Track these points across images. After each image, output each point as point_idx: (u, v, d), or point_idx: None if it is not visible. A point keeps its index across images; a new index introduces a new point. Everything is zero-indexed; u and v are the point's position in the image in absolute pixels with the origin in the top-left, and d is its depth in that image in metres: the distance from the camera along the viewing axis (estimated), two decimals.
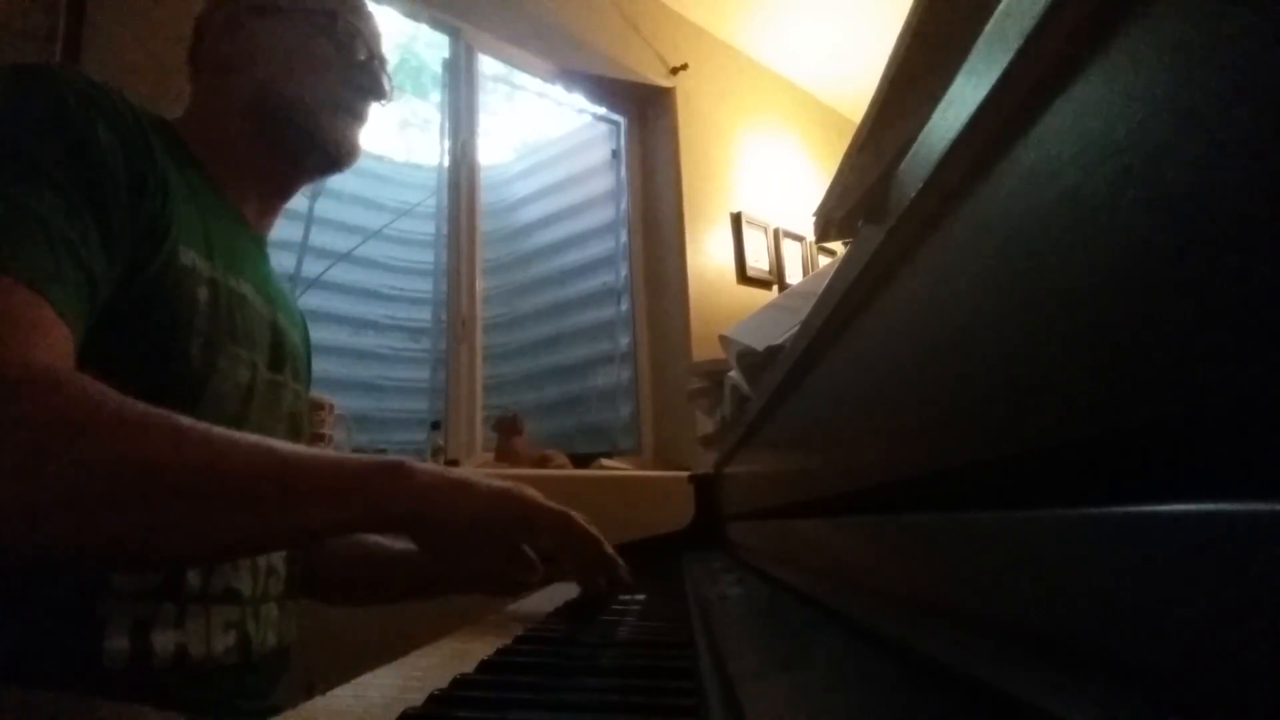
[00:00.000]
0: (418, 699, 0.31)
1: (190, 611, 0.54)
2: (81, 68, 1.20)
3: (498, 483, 0.55)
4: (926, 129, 0.20)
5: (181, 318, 0.55)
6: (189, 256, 0.57)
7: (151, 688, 0.51)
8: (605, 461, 1.89)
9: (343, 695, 0.35)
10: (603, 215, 2.42)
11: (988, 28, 0.17)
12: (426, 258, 2.39)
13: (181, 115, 0.69)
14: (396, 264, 2.62)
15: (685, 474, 1.12)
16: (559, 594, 0.70)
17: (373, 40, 0.75)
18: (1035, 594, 0.14)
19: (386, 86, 0.76)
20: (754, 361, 0.67)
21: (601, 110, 2.38)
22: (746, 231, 2.41)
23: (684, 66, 2.33)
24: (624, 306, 2.29)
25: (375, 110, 0.77)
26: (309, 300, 2.19)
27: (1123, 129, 0.12)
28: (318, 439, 1.30)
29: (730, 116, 2.51)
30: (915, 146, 0.21)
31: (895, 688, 0.19)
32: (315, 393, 1.34)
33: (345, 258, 2.40)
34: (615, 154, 2.40)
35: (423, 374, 2.12)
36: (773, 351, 0.63)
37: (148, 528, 0.42)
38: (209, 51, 0.69)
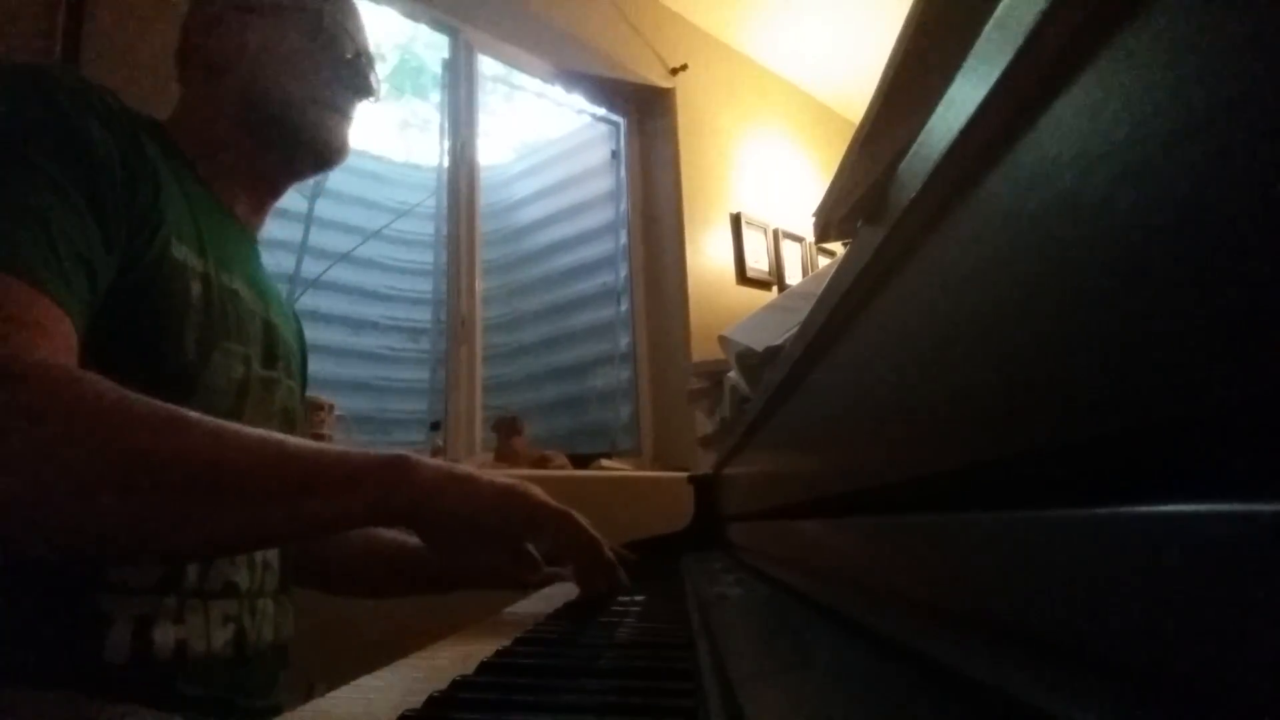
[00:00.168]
0: (417, 700, 0.31)
1: (189, 606, 0.55)
2: (81, 67, 1.20)
3: (501, 479, 0.55)
4: (926, 129, 0.20)
5: (175, 312, 0.55)
6: (181, 251, 0.57)
7: (152, 684, 0.51)
8: (605, 462, 1.88)
9: (343, 696, 0.35)
10: (602, 216, 2.42)
11: (988, 28, 0.17)
12: (426, 258, 2.39)
13: (170, 115, 0.69)
14: (396, 264, 2.62)
15: (685, 474, 1.12)
16: (559, 594, 0.70)
17: (360, 38, 0.75)
18: (1035, 594, 0.14)
19: (374, 84, 0.76)
20: (753, 362, 0.67)
21: (601, 111, 2.38)
22: (746, 232, 2.41)
23: (684, 67, 2.33)
24: (624, 307, 2.29)
25: (366, 108, 0.77)
26: (309, 300, 2.19)
27: (1123, 129, 0.12)
28: (317, 439, 1.30)
29: (730, 117, 2.51)
30: (915, 147, 0.21)
31: (895, 688, 0.19)
32: (315, 393, 1.34)
33: (345, 258, 2.40)
34: (615, 154, 2.40)
35: (423, 374, 2.12)
36: (772, 352, 0.63)
37: (154, 521, 0.43)
38: (195, 51, 0.69)
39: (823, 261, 2.56)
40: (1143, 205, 0.11)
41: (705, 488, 1.04)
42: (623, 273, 2.31)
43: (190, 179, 0.64)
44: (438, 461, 0.53)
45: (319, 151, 0.72)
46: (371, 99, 0.76)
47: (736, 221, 2.40)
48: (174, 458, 0.42)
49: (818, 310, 0.35)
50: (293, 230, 2.29)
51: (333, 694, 0.35)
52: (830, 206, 0.30)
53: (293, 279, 2.18)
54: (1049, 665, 0.13)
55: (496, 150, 2.90)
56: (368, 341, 2.44)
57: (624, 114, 2.39)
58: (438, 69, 2.03)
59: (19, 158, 0.48)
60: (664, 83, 2.32)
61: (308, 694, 0.69)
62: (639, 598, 0.65)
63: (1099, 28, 0.13)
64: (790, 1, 2.37)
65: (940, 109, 0.19)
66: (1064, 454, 0.14)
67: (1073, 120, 0.14)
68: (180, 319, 0.56)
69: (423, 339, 2.39)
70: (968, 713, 0.16)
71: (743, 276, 2.36)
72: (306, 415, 1.28)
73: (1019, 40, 0.15)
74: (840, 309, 0.30)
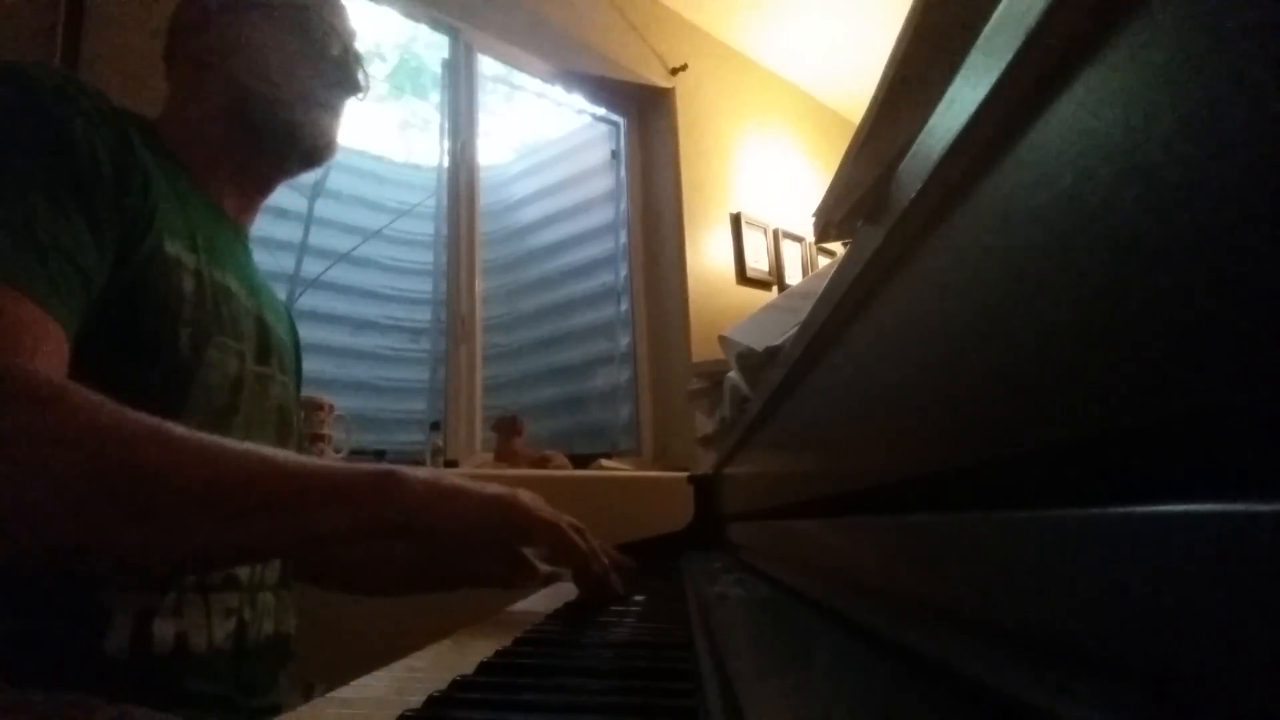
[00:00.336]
0: (417, 700, 0.31)
1: (189, 600, 0.55)
2: (81, 67, 1.20)
3: (492, 489, 0.55)
4: (926, 129, 0.20)
5: (168, 308, 0.55)
6: (174, 248, 0.57)
7: (152, 680, 0.51)
8: (605, 462, 1.88)
9: (343, 695, 0.35)
10: (602, 216, 2.42)
11: (988, 28, 0.17)
12: (426, 258, 2.39)
13: (160, 113, 0.69)
14: (396, 264, 2.62)
15: (685, 474, 1.12)
16: (559, 595, 0.70)
17: (347, 34, 0.75)
18: (1035, 594, 0.14)
19: (362, 80, 0.76)
20: (753, 362, 0.67)
21: (601, 111, 2.38)
22: (746, 232, 2.41)
23: (683, 67, 2.33)
24: (624, 307, 2.29)
25: (357, 105, 0.77)
26: (309, 300, 2.19)
27: (1123, 129, 0.12)
28: (317, 439, 1.30)
29: (730, 117, 2.51)
30: (915, 146, 0.21)
31: (895, 688, 0.19)
32: (315, 393, 1.34)
33: (345, 258, 2.40)
34: (615, 154, 2.40)
35: (422, 374, 2.12)
36: (772, 352, 0.63)
37: (143, 537, 0.43)
38: (183, 49, 0.69)
39: (823, 261, 2.56)
40: (1143, 205, 0.11)
41: (705, 487, 1.04)
42: (623, 273, 2.31)
43: (180, 176, 0.64)
44: (427, 474, 0.53)
45: (307, 148, 0.72)
46: (359, 95, 0.76)
47: (736, 221, 2.40)
48: (161, 473, 0.42)
49: (818, 310, 0.35)
50: (293, 230, 2.29)
51: (333, 694, 0.35)
52: (830, 206, 0.30)
53: (293, 279, 2.18)
54: (1049, 665, 0.13)
55: (496, 150, 2.90)
56: (368, 341, 2.44)
57: (624, 114, 2.39)
58: (438, 69, 2.03)
59: (5, 164, 0.48)
60: (664, 83, 2.32)
61: (308, 694, 0.69)
62: (639, 597, 0.65)
63: (1099, 27, 0.13)
64: (790, 1, 2.37)
65: (940, 109, 0.19)
66: (1064, 454, 0.14)
67: (1073, 120, 0.14)
68: (173, 315, 0.56)
69: (423, 339, 2.39)
70: (967, 713, 0.16)
71: (743, 276, 2.36)
72: (307, 415, 1.28)
73: (1019, 40, 0.15)
74: (840, 309, 0.30)
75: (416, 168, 2.80)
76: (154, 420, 0.44)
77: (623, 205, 2.35)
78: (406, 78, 2.91)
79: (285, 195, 2.25)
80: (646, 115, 2.39)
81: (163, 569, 0.51)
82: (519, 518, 0.55)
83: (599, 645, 0.45)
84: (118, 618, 0.50)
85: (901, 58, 0.23)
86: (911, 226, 0.22)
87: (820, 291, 0.34)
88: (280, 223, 2.24)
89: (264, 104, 0.68)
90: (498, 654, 0.41)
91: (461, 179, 1.93)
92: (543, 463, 1.73)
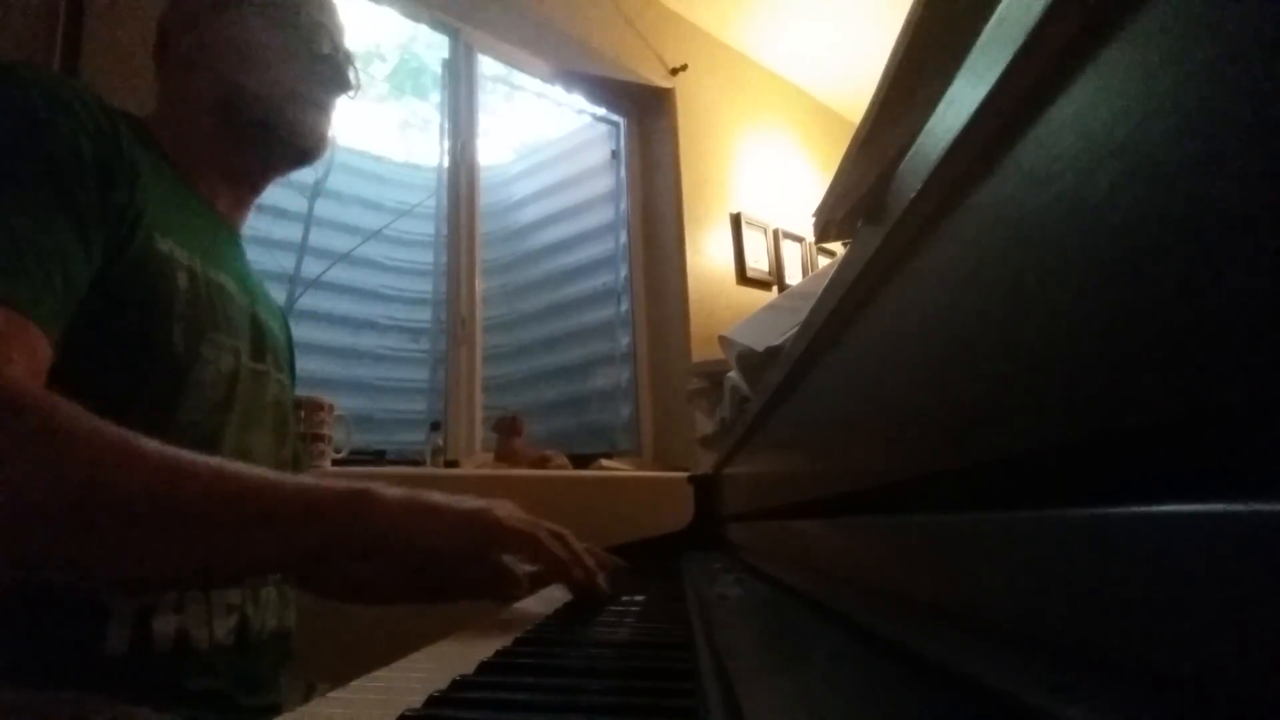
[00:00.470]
0: (418, 700, 0.31)
1: (190, 596, 0.55)
2: (80, 68, 1.20)
3: (468, 504, 0.55)
4: (926, 129, 0.20)
5: (162, 304, 0.55)
6: (166, 244, 0.57)
7: (153, 678, 0.51)
8: (605, 462, 1.88)
9: (343, 695, 0.35)
10: (602, 216, 2.42)
11: (988, 28, 0.17)
12: (426, 258, 2.39)
13: (150, 111, 0.69)
14: (396, 265, 2.62)
15: (685, 474, 1.12)
16: (559, 595, 0.70)
17: (337, 32, 0.75)
18: (1035, 594, 0.14)
19: (352, 79, 0.76)
20: (753, 362, 0.67)
21: (601, 111, 2.38)
22: (746, 232, 2.40)
23: (684, 67, 2.33)
24: (624, 307, 2.29)
25: (355, 105, 0.77)
26: (309, 300, 2.19)
27: (1123, 129, 0.12)
28: (317, 439, 1.30)
29: (730, 117, 2.51)
30: (915, 146, 0.21)
31: (895, 688, 0.19)
32: (315, 393, 1.34)
33: (345, 258, 2.40)
34: (615, 154, 2.40)
35: (422, 374, 2.12)
36: (772, 352, 0.63)
37: (107, 555, 0.43)
38: (172, 48, 0.69)
39: (823, 261, 2.56)
40: (1143, 205, 0.11)
41: (705, 487, 1.04)
42: (623, 273, 2.31)
43: (171, 174, 0.64)
44: (401, 492, 0.52)
45: (297, 146, 0.72)
46: (350, 93, 0.76)
47: (736, 221, 2.40)
48: (124, 492, 0.42)
49: (818, 310, 0.35)
50: (293, 230, 2.29)
51: (333, 694, 0.35)
52: (830, 206, 0.30)
53: (293, 279, 2.18)
54: (1049, 665, 0.13)
55: (496, 150, 2.91)
56: (368, 341, 2.44)
57: (624, 114, 2.39)
58: (438, 69, 2.03)
59: None
60: (664, 83, 2.32)
61: (308, 694, 0.69)
62: (639, 597, 0.65)
63: (1099, 27, 0.13)
64: (790, 2, 2.37)
65: (940, 109, 0.19)
66: (1064, 454, 0.14)
67: (1073, 120, 0.14)
68: (167, 311, 0.56)
69: (423, 339, 2.39)
70: (967, 713, 0.16)
71: (743, 276, 2.36)
72: (307, 415, 1.28)
73: (1019, 40, 0.15)
74: (840, 309, 0.30)
75: (416, 168, 2.81)
76: (120, 433, 0.43)
77: (623, 205, 2.35)
78: (406, 78, 2.92)
79: (285, 195, 2.26)
80: (646, 115, 2.39)
81: (128, 584, 0.50)
82: (494, 533, 0.55)
83: (599, 645, 0.45)
84: (117, 616, 0.50)
85: (901, 58, 0.23)
86: (911, 226, 0.22)
87: (820, 291, 0.34)
88: (280, 223, 2.24)
89: (253, 102, 0.68)
90: (498, 654, 0.41)
91: (461, 179, 1.93)
92: (543, 463, 1.73)
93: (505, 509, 0.57)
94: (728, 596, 0.51)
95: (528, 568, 0.64)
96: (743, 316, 0.76)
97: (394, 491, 0.52)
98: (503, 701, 0.31)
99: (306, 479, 0.52)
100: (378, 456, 1.59)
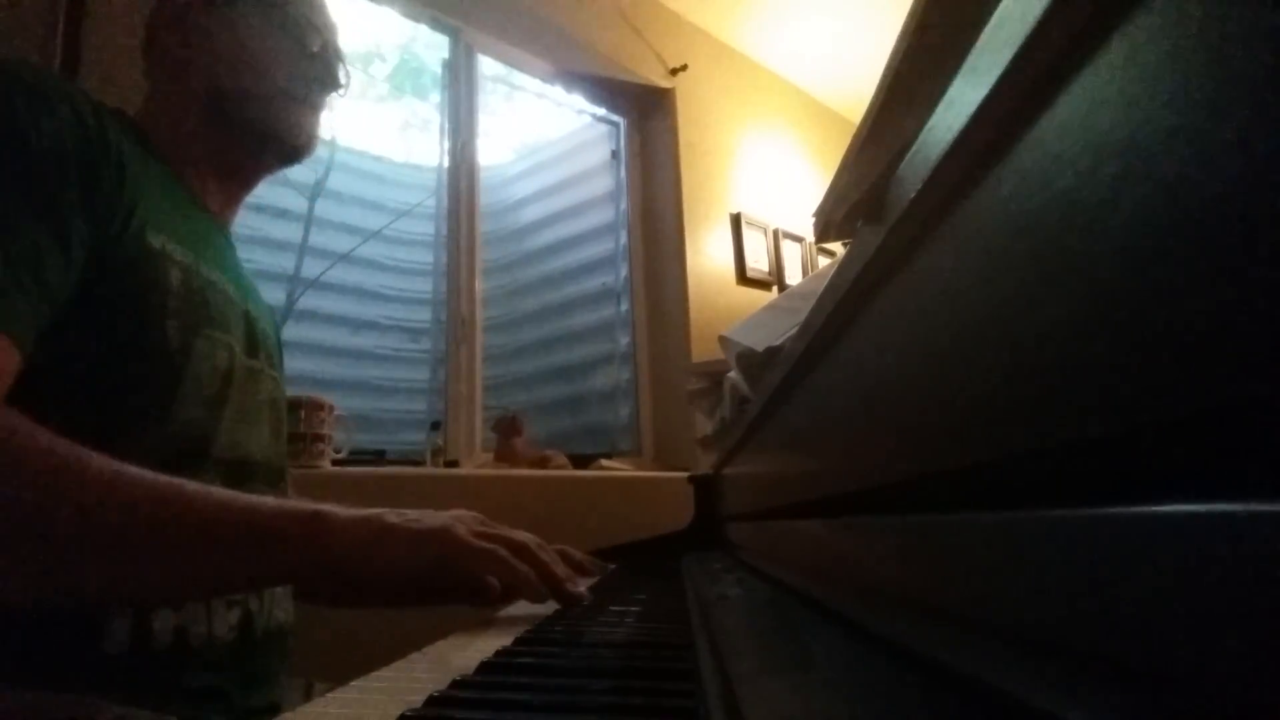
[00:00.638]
0: (417, 700, 0.31)
1: None
2: (81, 69, 1.20)
3: (426, 522, 0.54)
4: (926, 129, 0.20)
5: (155, 299, 0.55)
6: (158, 240, 0.57)
7: (152, 676, 0.51)
8: (605, 462, 1.89)
9: (343, 695, 0.35)
10: (602, 216, 2.42)
11: (988, 28, 0.17)
12: (426, 258, 2.38)
13: (140, 109, 0.68)
14: (396, 264, 2.62)
15: (685, 474, 1.12)
16: None
17: (327, 30, 0.75)
18: (1035, 594, 0.14)
19: (342, 76, 0.76)
20: (753, 362, 0.67)
21: (601, 111, 2.38)
22: (746, 232, 2.41)
23: (684, 67, 2.33)
24: (624, 307, 2.29)
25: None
26: (309, 300, 2.19)
27: (1123, 129, 0.12)
28: (317, 439, 1.30)
29: (730, 117, 2.51)
30: (915, 146, 0.21)
31: (895, 688, 0.19)
32: (315, 393, 1.34)
33: (345, 258, 2.40)
34: (615, 155, 2.40)
35: (423, 375, 2.12)
36: (772, 352, 0.63)
37: (57, 577, 0.43)
38: (161, 46, 0.69)
39: (823, 261, 2.56)
40: (1142, 204, 0.11)
41: (705, 488, 1.04)
42: (623, 273, 2.31)
43: (163, 171, 0.64)
44: (354, 514, 0.51)
45: (286, 144, 0.72)
46: (339, 92, 0.76)
47: (736, 221, 2.40)
48: (71, 514, 0.42)
49: (818, 310, 0.35)
50: (293, 230, 2.28)
51: (333, 694, 0.35)
52: (830, 206, 0.30)
53: (293, 279, 2.18)
54: (1048, 665, 0.13)
55: (496, 150, 2.90)
56: (368, 341, 2.44)
57: (624, 114, 2.39)
58: (438, 69, 2.03)
59: None
60: (664, 83, 2.32)
61: (308, 694, 0.69)
62: (639, 597, 0.65)
63: (1098, 28, 0.13)
64: (790, 1, 2.37)
65: (940, 109, 0.19)
66: (1064, 454, 0.14)
67: (1072, 120, 0.14)
68: (160, 307, 0.55)
69: (423, 339, 2.39)
70: (967, 712, 0.16)
71: (743, 276, 2.36)
72: (307, 414, 1.28)
73: (1019, 40, 0.15)
74: (840, 309, 0.30)
75: (416, 168, 2.80)
76: (77, 452, 0.43)
77: (623, 205, 2.35)
78: (406, 78, 2.91)
79: (285, 195, 2.25)
80: (646, 115, 2.39)
81: (77, 606, 0.49)
82: (452, 552, 0.53)
83: (599, 645, 0.45)
84: (116, 615, 0.50)
85: (901, 58, 0.23)
86: (911, 226, 0.22)
87: (820, 292, 0.34)
88: (280, 223, 2.23)
89: (241, 100, 0.68)
90: (498, 654, 0.41)
91: (461, 179, 1.93)
92: (542, 463, 1.73)
93: (464, 525, 0.55)
94: (728, 597, 0.51)
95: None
96: (743, 316, 0.76)
97: (348, 513, 0.51)
98: (503, 701, 0.31)
99: (265, 501, 0.51)
100: (378, 456, 1.59)
